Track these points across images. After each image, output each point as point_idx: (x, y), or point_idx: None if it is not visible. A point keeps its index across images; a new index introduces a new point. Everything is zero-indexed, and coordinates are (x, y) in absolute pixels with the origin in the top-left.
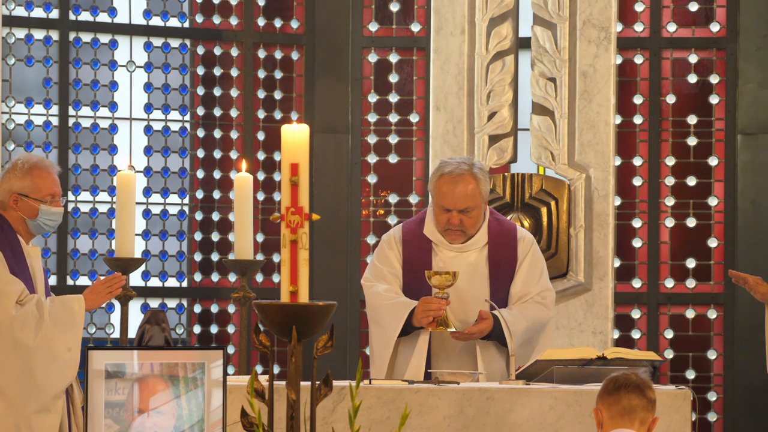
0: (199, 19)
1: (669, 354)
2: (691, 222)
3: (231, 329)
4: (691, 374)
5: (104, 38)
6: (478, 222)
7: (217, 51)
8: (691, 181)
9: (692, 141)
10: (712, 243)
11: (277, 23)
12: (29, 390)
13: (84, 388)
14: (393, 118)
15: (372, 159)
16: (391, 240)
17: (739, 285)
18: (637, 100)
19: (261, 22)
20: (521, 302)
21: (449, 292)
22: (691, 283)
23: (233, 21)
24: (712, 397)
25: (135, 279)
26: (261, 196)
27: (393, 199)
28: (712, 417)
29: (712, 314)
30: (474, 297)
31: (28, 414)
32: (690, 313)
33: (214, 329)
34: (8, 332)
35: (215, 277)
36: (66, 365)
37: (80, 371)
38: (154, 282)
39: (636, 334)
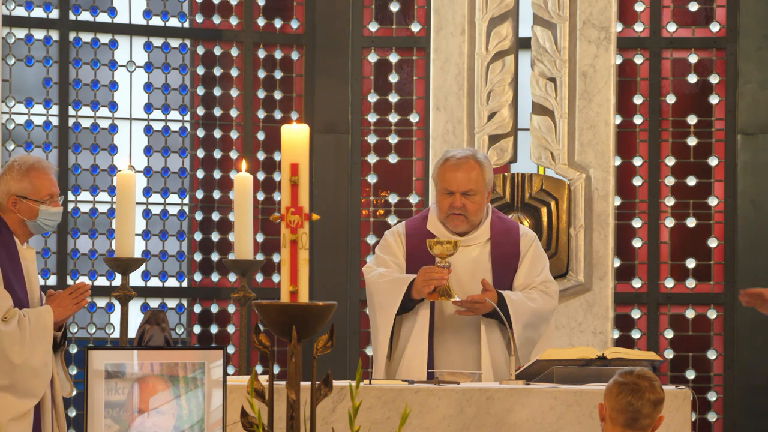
0: (199, 19)
1: (669, 354)
2: (691, 222)
3: (231, 329)
4: (691, 374)
5: (104, 38)
6: (480, 210)
7: (217, 51)
8: (691, 181)
9: (692, 141)
10: (712, 243)
11: (277, 23)
12: (11, 403)
13: (84, 388)
14: (393, 118)
15: (372, 159)
16: (395, 233)
17: (752, 306)
18: (637, 100)
19: (261, 22)
20: (525, 290)
21: (450, 261)
22: (691, 283)
23: (233, 21)
24: (712, 397)
25: (135, 279)
26: (261, 196)
27: (393, 199)
28: (712, 417)
29: (712, 314)
30: (476, 292)
31: (5, 421)
32: (690, 313)
33: (214, 329)
34: None
35: (215, 277)
36: (43, 378)
37: (80, 371)
38: (154, 282)
39: (636, 334)
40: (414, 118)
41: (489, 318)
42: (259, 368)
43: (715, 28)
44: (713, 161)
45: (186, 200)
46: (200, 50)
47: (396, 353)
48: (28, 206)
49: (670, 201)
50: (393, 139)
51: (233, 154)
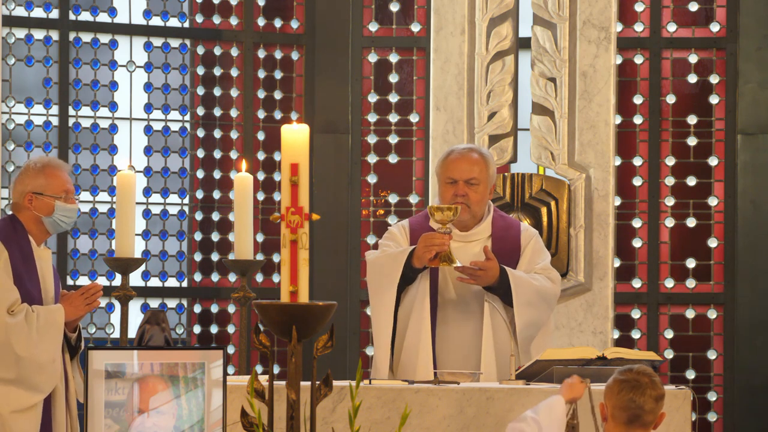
0: (199, 19)
1: (669, 354)
2: (691, 222)
3: (231, 329)
4: (691, 374)
5: (104, 38)
6: (482, 201)
7: (217, 51)
8: (691, 181)
9: (692, 141)
10: (712, 243)
11: (277, 23)
12: (16, 396)
13: (84, 388)
14: (393, 118)
15: (372, 159)
16: (399, 227)
17: None
18: (637, 100)
19: (261, 22)
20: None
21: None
22: (691, 283)
23: (233, 21)
24: (712, 397)
25: (135, 279)
26: (261, 196)
27: (393, 199)
28: (712, 417)
29: (712, 314)
30: (478, 286)
31: (6, 413)
32: (690, 313)
33: (214, 329)
34: (3, 338)
35: (215, 277)
36: (51, 374)
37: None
38: (154, 282)
39: (636, 334)
40: (414, 118)
41: (489, 291)
42: (259, 368)
43: (715, 28)
44: (713, 161)
45: (186, 200)
46: (200, 50)
47: (399, 328)
48: (44, 202)
49: (670, 201)
50: (393, 139)
51: (233, 154)
